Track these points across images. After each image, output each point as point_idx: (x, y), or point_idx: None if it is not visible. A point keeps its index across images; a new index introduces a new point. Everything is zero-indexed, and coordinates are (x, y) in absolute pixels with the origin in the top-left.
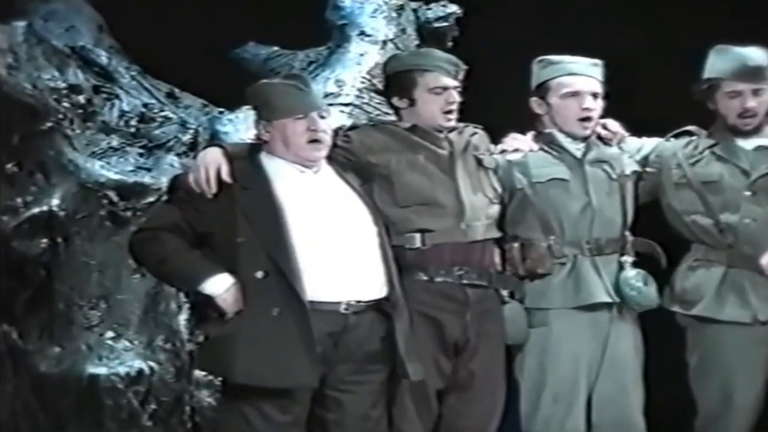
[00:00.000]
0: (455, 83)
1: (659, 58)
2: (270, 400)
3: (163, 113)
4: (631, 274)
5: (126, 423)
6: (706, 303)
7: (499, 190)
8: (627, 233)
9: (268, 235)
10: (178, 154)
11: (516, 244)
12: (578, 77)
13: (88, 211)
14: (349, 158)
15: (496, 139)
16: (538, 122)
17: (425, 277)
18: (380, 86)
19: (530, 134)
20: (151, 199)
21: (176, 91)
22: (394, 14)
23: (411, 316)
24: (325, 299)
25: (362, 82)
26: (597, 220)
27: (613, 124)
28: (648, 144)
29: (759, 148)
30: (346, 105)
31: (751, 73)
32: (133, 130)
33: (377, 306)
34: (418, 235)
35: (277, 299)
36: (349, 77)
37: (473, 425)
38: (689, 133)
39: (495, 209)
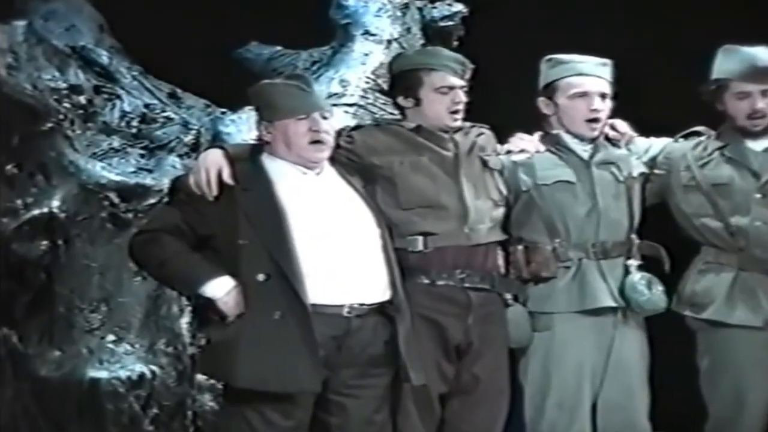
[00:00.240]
0: (462, 83)
1: (668, 57)
2: (272, 404)
3: (164, 114)
4: (636, 278)
5: (127, 427)
6: (716, 306)
7: (504, 192)
8: (633, 236)
9: (270, 237)
10: (180, 155)
11: (520, 247)
12: (587, 77)
13: (88, 212)
14: (352, 159)
15: (502, 139)
16: (545, 123)
17: (427, 281)
18: (385, 86)
19: (537, 135)
20: (152, 201)
21: (178, 91)
22: (398, 13)
23: (412, 319)
24: (328, 302)
25: (367, 82)
26: (603, 223)
27: (622, 125)
28: (656, 145)
29: None
30: (350, 105)
31: (760, 74)
32: (134, 130)
33: (380, 309)
34: (420, 238)
35: (279, 302)
36: (353, 77)
37: (477, 430)
38: (698, 134)
39: (499, 212)
